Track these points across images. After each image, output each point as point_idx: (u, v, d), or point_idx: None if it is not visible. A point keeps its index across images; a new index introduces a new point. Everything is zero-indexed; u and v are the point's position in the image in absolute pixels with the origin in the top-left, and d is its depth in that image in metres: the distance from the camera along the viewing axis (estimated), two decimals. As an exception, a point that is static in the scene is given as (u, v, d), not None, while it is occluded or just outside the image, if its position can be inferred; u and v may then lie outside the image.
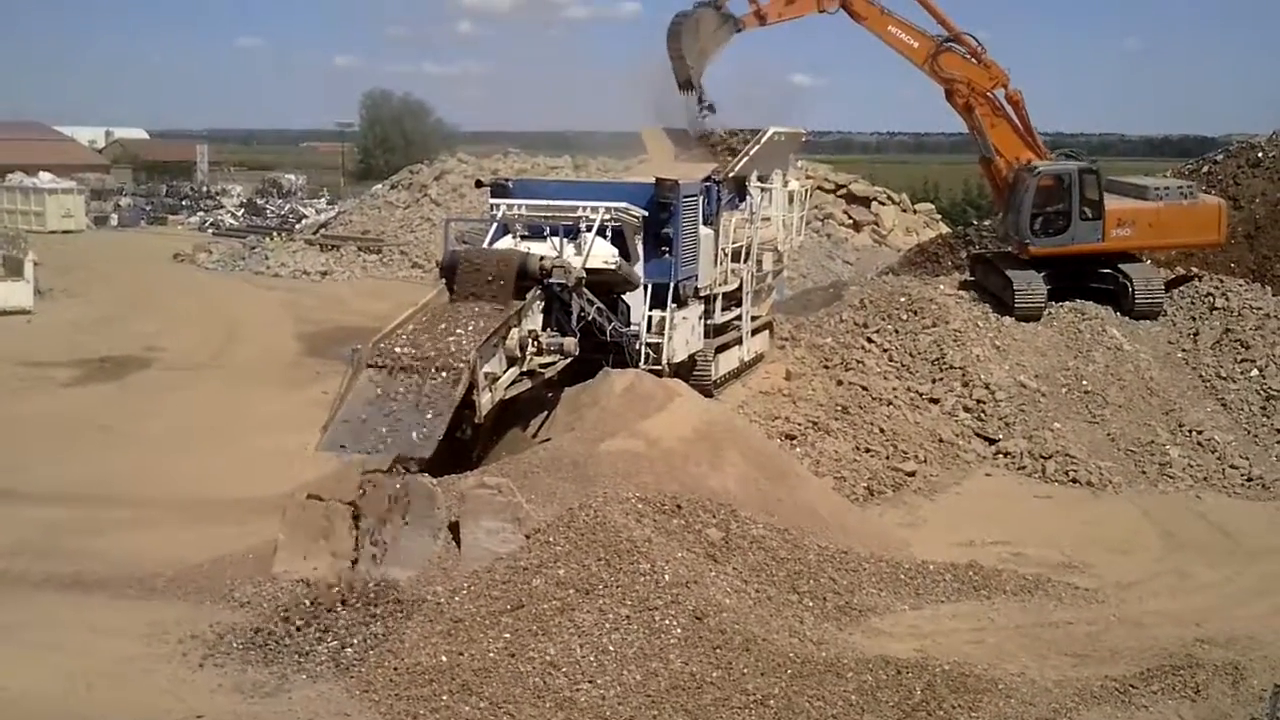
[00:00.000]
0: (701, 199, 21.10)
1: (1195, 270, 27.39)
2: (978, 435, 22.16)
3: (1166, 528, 18.60)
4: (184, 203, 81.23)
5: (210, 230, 67.23)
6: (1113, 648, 12.89)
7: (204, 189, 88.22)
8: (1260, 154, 32.19)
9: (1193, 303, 26.01)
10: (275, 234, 57.93)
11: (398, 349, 14.61)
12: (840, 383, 23.31)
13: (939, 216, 60.34)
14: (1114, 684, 11.66)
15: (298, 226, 61.86)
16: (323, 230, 57.11)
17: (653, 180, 20.14)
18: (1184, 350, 24.67)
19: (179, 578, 13.85)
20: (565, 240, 18.08)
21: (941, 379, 23.49)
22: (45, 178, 69.75)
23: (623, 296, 19.36)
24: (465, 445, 15.68)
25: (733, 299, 22.98)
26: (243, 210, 74.84)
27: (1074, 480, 20.56)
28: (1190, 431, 21.93)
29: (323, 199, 78.85)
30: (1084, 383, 23.22)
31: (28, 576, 14.25)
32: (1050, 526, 18.43)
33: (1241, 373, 23.66)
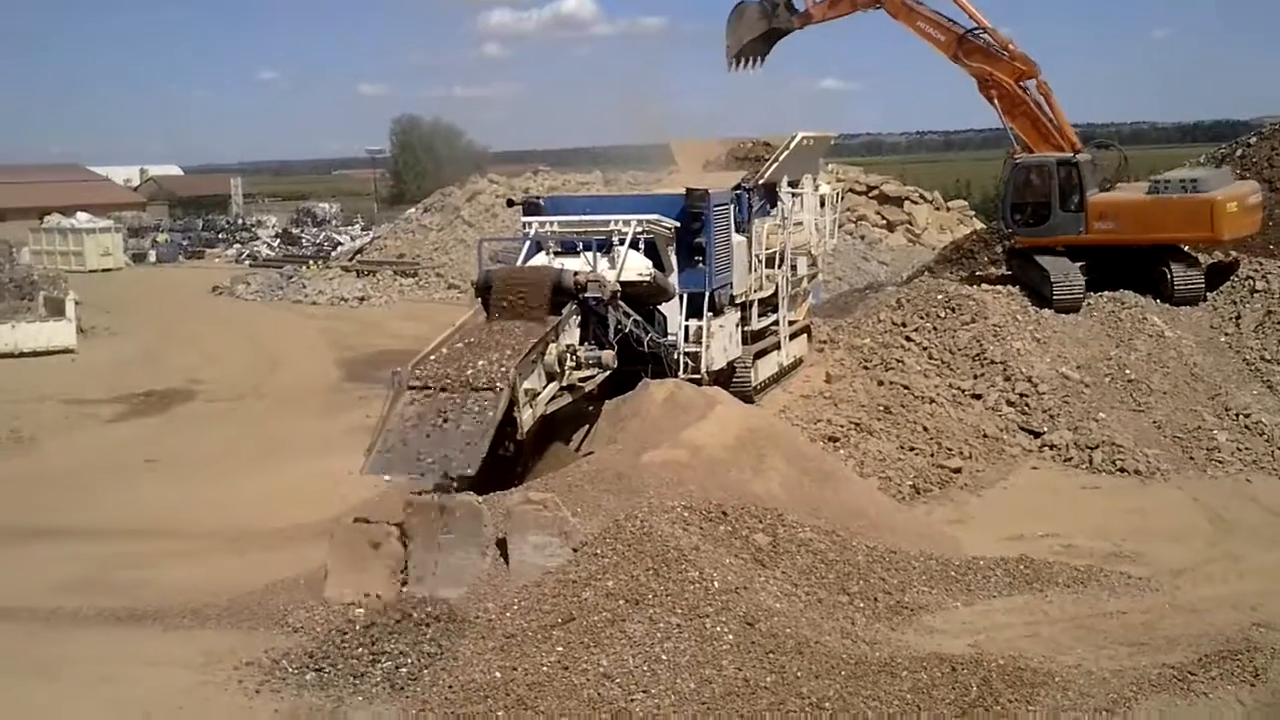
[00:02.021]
0: (733, 207, 21.13)
1: (1235, 255, 27.12)
2: (1022, 429, 22.03)
3: (1217, 512, 18.45)
4: (220, 236, 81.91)
5: (247, 262, 67.71)
6: (1169, 635, 12.76)
7: (239, 221, 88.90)
8: (1294, 135, 31.90)
9: (1233, 286, 25.82)
10: (311, 262, 58.35)
11: (438, 370, 14.65)
12: (881, 383, 23.24)
13: (972, 213, 60.09)
14: (1172, 671, 11.54)
15: (333, 254, 62.23)
16: (358, 256, 57.47)
17: (683, 191, 20.19)
18: (1226, 334, 24.49)
19: (231, 606, 13.91)
20: (599, 254, 18.13)
21: (983, 374, 23.38)
22: (83, 218, 70.51)
23: (659, 307, 19.39)
24: (508, 462, 15.68)
25: (769, 305, 23.00)
26: (278, 240, 75.30)
27: (1121, 469, 20.41)
28: (1237, 415, 21.76)
29: (357, 225, 79.25)
30: (1127, 371, 23.06)
31: (81, 611, 14.33)
32: (1100, 517, 18.31)
33: (1286, 354, 23.47)
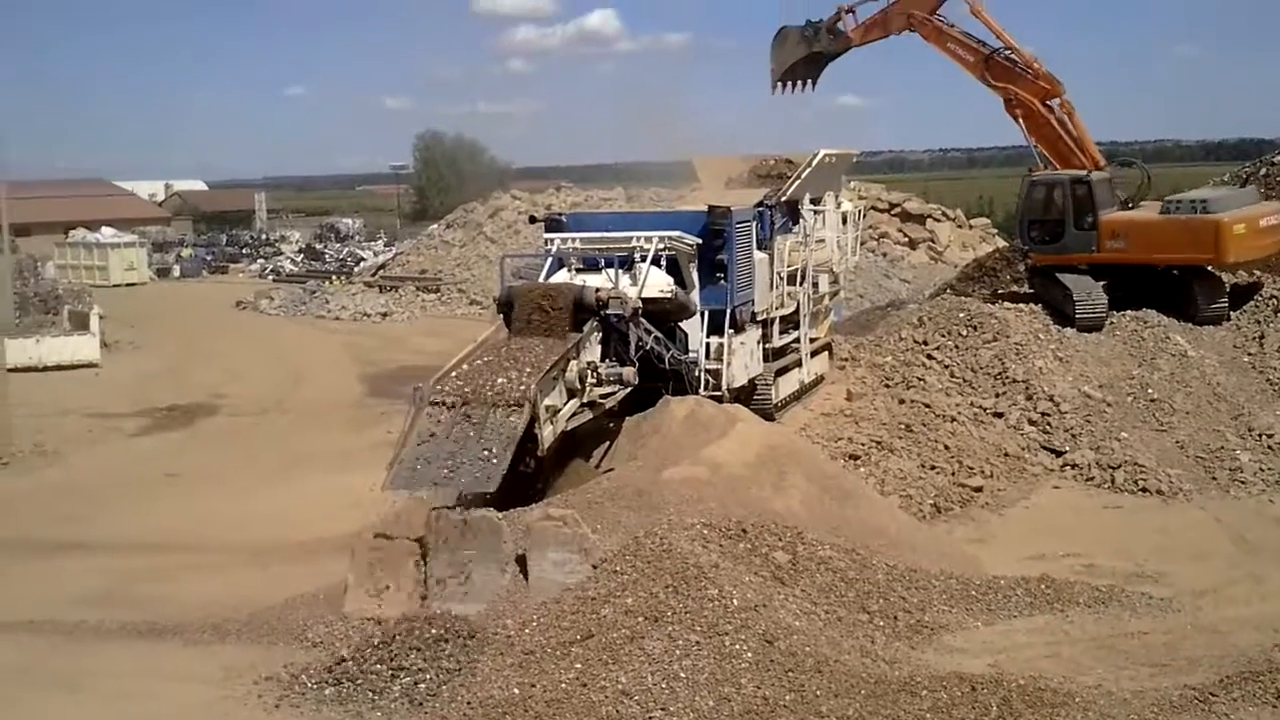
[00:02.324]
0: (755, 224, 21.15)
1: (1259, 274, 27.00)
2: (1044, 448, 21.94)
3: (1240, 533, 18.35)
4: (244, 251, 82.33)
5: (271, 277, 68.04)
6: (1190, 656, 12.70)
7: (263, 236, 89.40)
8: (1320, 152, 31.79)
9: (1257, 306, 25.73)
10: (334, 278, 58.61)
11: (459, 386, 14.69)
12: (902, 401, 23.19)
13: (995, 230, 60.00)
14: (1193, 693, 11.47)
15: (356, 269, 62.51)
16: (381, 272, 57.72)
17: (705, 208, 20.22)
18: (1250, 354, 24.40)
19: (252, 620, 13.96)
20: (620, 271, 18.14)
21: (1005, 393, 23.31)
22: (108, 232, 71.00)
23: (680, 324, 19.38)
24: (529, 478, 15.71)
25: (790, 322, 22.96)
26: (302, 256, 75.69)
27: (1144, 489, 20.32)
28: (1260, 435, 21.67)
29: (380, 241, 79.62)
30: (1149, 391, 22.97)
31: (103, 625, 14.41)
32: (1121, 536, 18.24)
33: (1310, 374, 23.36)
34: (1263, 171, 32.72)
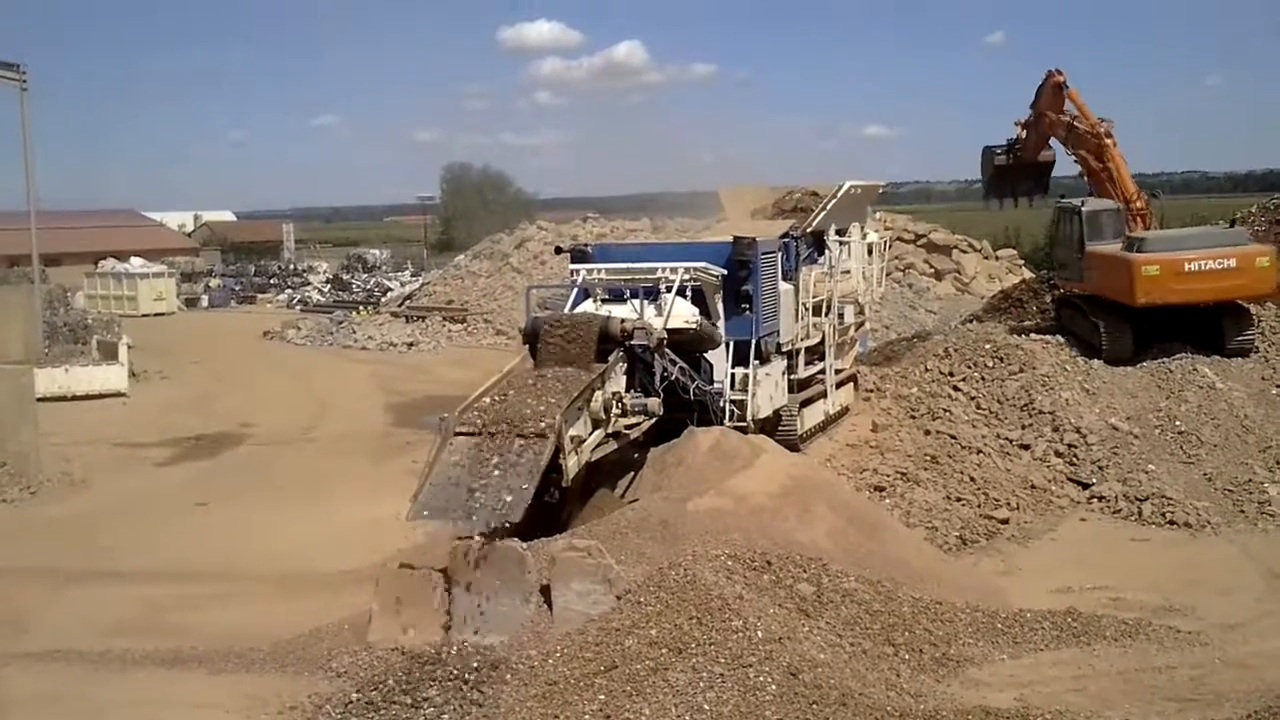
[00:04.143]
0: (780, 255, 21.18)
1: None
2: (1070, 480, 21.87)
3: (1269, 567, 18.20)
4: (272, 281, 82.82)
5: (298, 307, 68.42)
6: (1218, 691, 12.60)
7: (291, 267, 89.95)
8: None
9: (1286, 338, 25.56)
10: (361, 308, 58.89)
11: (484, 416, 14.70)
12: (928, 432, 23.17)
13: (1021, 262, 59.84)
14: (1221, 728, 11.42)
15: (383, 299, 62.78)
16: (408, 302, 57.95)
17: (731, 239, 20.26)
18: (1278, 386, 24.23)
19: (276, 650, 13.98)
20: (646, 302, 18.16)
21: (1031, 425, 23.25)
22: (137, 262, 71.53)
23: (705, 355, 19.40)
24: (554, 508, 15.70)
25: (815, 353, 22.96)
26: (329, 286, 76.07)
27: (1171, 522, 20.20)
28: (1289, 468, 21.50)
29: (407, 271, 80.00)
30: (1177, 423, 22.87)
31: (129, 654, 14.45)
32: (1149, 570, 18.11)
33: (1339, 407, 23.18)
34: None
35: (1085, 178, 29.16)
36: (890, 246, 32.21)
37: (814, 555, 14.48)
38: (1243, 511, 20.51)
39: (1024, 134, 30.88)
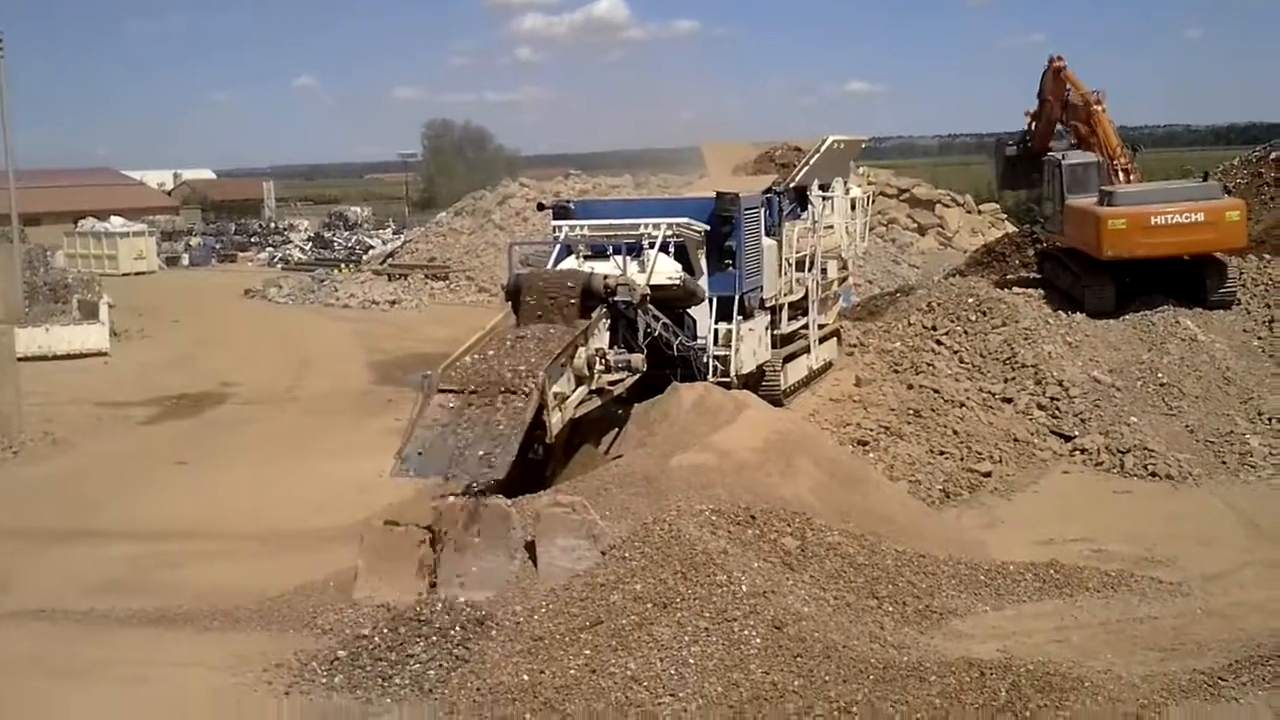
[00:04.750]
0: (763, 210, 21.12)
1: (1268, 257, 26.87)
2: (1053, 433, 21.96)
3: (1250, 518, 18.32)
4: (253, 239, 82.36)
5: (279, 265, 68.17)
6: (1200, 640, 12.68)
7: (272, 225, 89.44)
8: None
9: (1267, 290, 25.63)
10: (343, 266, 58.72)
11: (467, 373, 14.67)
12: (911, 386, 23.21)
13: (1004, 216, 59.88)
14: (1202, 677, 11.45)
15: (365, 257, 62.56)
16: (390, 260, 57.75)
17: (713, 194, 20.19)
18: (1260, 338, 24.34)
19: (261, 608, 13.98)
20: (628, 258, 18.12)
21: (1014, 378, 23.32)
22: (117, 221, 71.18)
23: (688, 311, 19.39)
24: (538, 465, 15.69)
25: (799, 308, 22.95)
26: (310, 244, 75.74)
27: (1153, 474, 20.30)
28: (1270, 420, 21.62)
29: (388, 229, 79.67)
30: (1159, 375, 22.95)
31: (114, 613, 14.45)
32: (1131, 521, 18.22)
33: (1321, 357, 23.27)
34: (1273, 155, 32.74)
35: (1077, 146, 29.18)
36: (873, 201, 32.19)
37: (798, 509, 14.50)
38: (1224, 463, 20.62)
39: (1033, 125, 30.96)
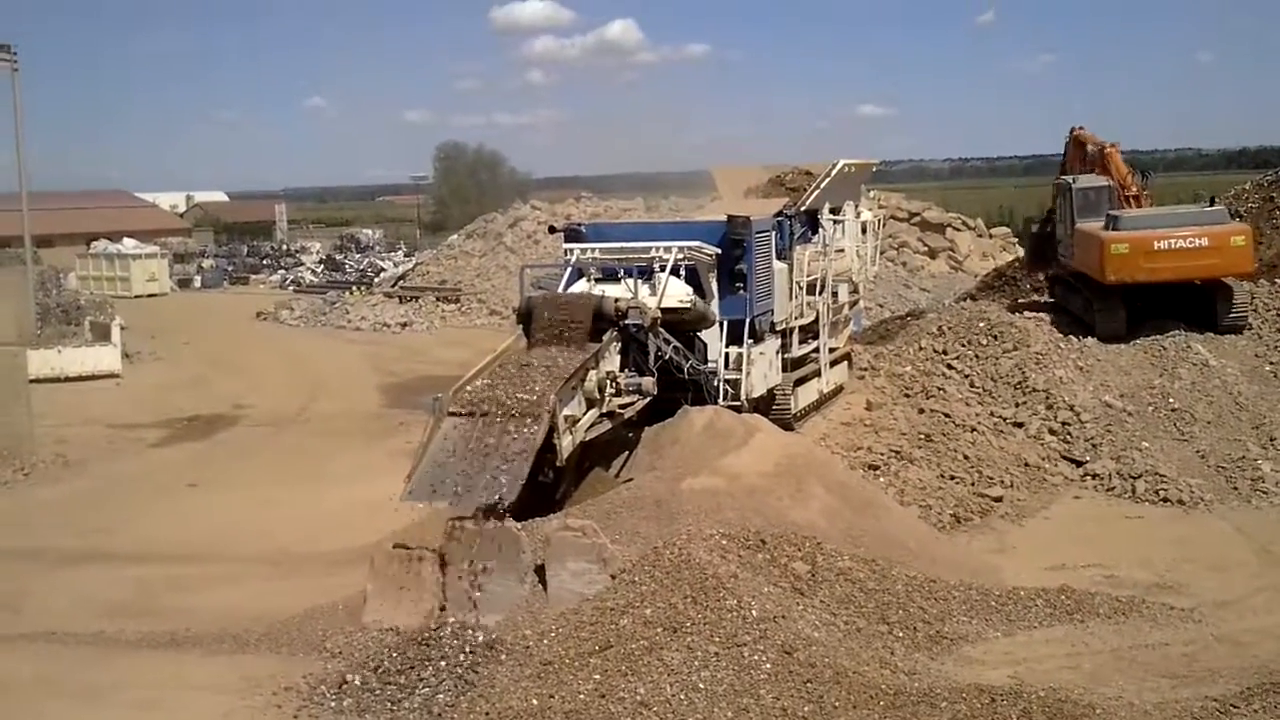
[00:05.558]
0: (774, 234, 21.13)
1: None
2: (1064, 458, 21.87)
3: (1262, 544, 18.22)
4: (264, 262, 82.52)
5: (291, 287, 68.27)
6: (1211, 667, 12.64)
7: (283, 247, 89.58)
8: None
9: (1278, 315, 25.56)
10: (355, 288, 58.76)
11: (478, 396, 14.69)
12: (922, 411, 23.16)
13: (1015, 240, 59.82)
14: (1214, 704, 11.41)
15: (376, 280, 62.62)
16: (401, 282, 57.81)
17: (725, 218, 20.20)
18: (1271, 363, 24.25)
19: (271, 631, 14.00)
20: (640, 281, 18.13)
21: (1025, 402, 23.25)
22: (129, 243, 71.48)
23: (699, 334, 19.37)
24: (548, 488, 15.69)
25: (809, 332, 22.92)
26: (322, 266, 75.85)
27: (1165, 499, 20.20)
28: (1282, 445, 21.52)
29: (400, 252, 79.75)
30: (1170, 400, 22.87)
31: (124, 636, 14.48)
32: (1142, 547, 18.12)
33: (1334, 383, 23.18)
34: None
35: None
36: (884, 225, 32.20)
37: (808, 534, 14.49)
38: (1236, 488, 20.52)
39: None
